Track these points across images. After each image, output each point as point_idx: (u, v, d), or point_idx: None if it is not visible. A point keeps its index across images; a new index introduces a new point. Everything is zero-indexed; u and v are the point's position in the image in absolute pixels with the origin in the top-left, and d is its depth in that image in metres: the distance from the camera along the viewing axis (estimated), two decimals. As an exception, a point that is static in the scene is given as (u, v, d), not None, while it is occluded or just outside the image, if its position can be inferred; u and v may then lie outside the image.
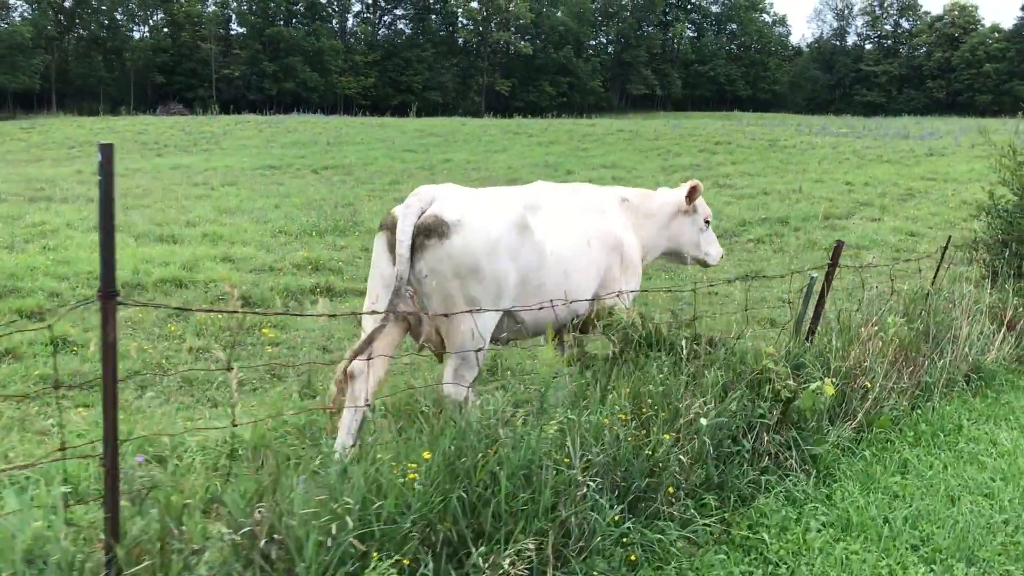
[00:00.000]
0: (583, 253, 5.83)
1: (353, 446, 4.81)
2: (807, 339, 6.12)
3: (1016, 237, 8.75)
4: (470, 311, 5.01)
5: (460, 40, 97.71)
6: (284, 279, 11.53)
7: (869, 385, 6.06)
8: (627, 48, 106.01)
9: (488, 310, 5.09)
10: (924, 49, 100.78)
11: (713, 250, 6.95)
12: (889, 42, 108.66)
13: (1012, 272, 8.73)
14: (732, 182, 28.22)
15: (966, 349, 7.30)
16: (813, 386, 5.24)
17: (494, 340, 5.53)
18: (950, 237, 8.26)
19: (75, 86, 78.94)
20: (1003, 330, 7.95)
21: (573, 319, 5.84)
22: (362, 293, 11.72)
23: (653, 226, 6.59)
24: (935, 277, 7.80)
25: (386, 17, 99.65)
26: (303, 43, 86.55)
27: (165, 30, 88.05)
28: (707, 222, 6.85)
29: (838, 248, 6.24)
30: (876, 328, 6.54)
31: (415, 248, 5.04)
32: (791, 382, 5.40)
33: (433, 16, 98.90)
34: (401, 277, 4.98)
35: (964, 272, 8.38)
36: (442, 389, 5.27)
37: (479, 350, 5.09)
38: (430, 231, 5.03)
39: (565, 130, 49.92)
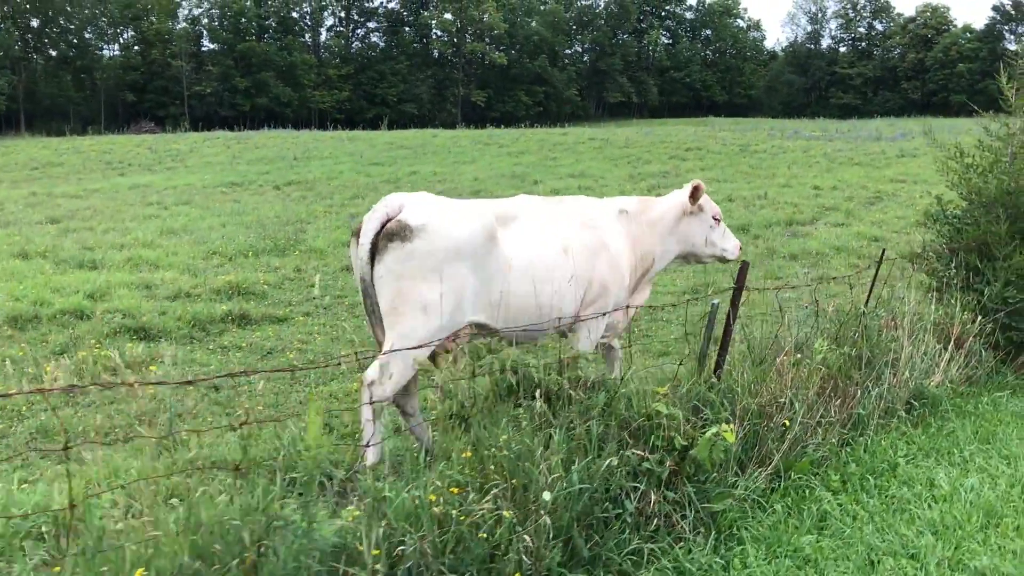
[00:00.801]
0: (559, 263, 5.82)
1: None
2: (715, 373, 5.39)
3: (964, 246, 8.07)
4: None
5: (435, 52, 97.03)
6: (196, 307, 10.75)
7: (787, 423, 5.35)
8: (602, 56, 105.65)
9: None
10: (898, 51, 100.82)
11: (729, 244, 6.86)
12: (863, 44, 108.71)
13: (960, 284, 8.05)
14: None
15: (907, 373, 6.60)
16: (710, 432, 4.51)
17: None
18: (884, 250, 7.56)
19: (44, 106, 77.81)
20: (950, 349, 7.25)
21: (555, 327, 5.75)
22: (279, 320, 11.01)
23: (659, 232, 6.58)
24: (869, 294, 7.09)
25: (359, 30, 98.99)
26: (275, 58, 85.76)
27: (136, 48, 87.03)
28: (716, 219, 6.77)
29: (743, 270, 5.52)
30: (799, 355, 5.83)
31: (378, 251, 5.19)
32: (689, 427, 4.69)
33: (407, 28, 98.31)
34: (363, 279, 5.26)
35: (906, 286, 7.69)
36: (365, 376, 5.26)
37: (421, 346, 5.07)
38: (393, 235, 5.17)
39: (537, 140, 49.41)
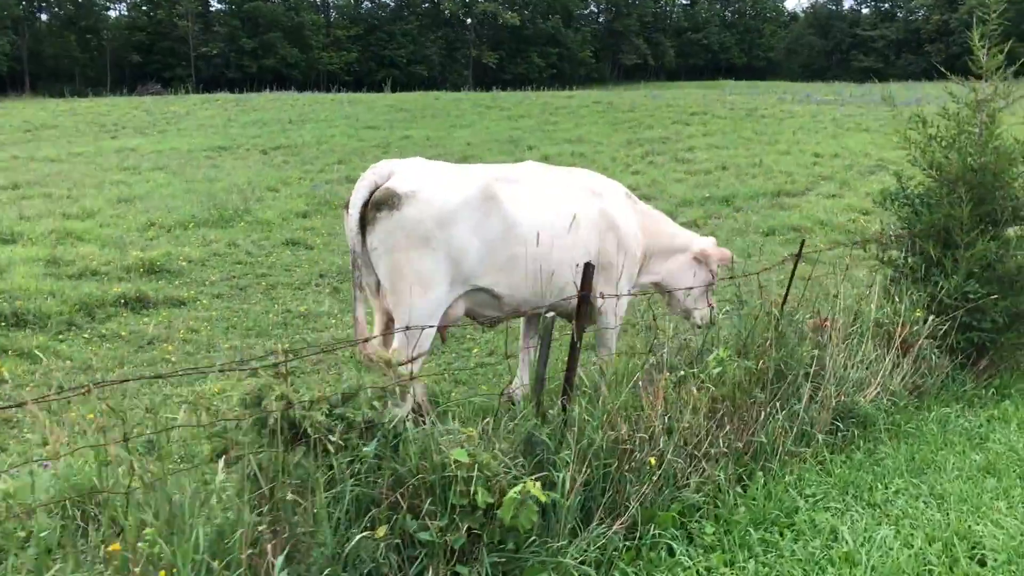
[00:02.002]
0: (568, 228, 5.66)
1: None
2: (563, 401, 4.34)
3: (920, 231, 6.96)
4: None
5: (446, 12, 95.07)
6: (88, 287, 9.80)
7: (653, 462, 4.32)
8: (618, 17, 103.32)
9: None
10: (922, 12, 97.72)
11: (706, 312, 6.61)
12: (886, 6, 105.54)
13: (917, 276, 6.95)
14: (693, 156, 26.43)
15: (831, 388, 5.53)
16: (515, 490, 3.49)
17: (472, 316, 5.67)
18: (803, 241, 6.46)
19: (48, 67, 76.90)
20: (891, 354, 6.18)
21: (561, 299, 5.62)
22: (179, 303, 10.05)
23: (654, 244, 6.44)
24: (787, 292, 5.99)
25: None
26: (282, 18, 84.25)
27: (143, 8, 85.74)
28: (712, 283, 6.64)
29: (588, 271, 4.44)
30: (681, 373, 4.79)
31: (368, 222, 5.08)
32: (510, 477, 3.68)
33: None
34: (354, 251, 5.14)
35: (840, 280, 6.60)
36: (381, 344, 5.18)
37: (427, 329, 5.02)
38: (381, 204, 5.05)
39: (540, 103, 48.09)
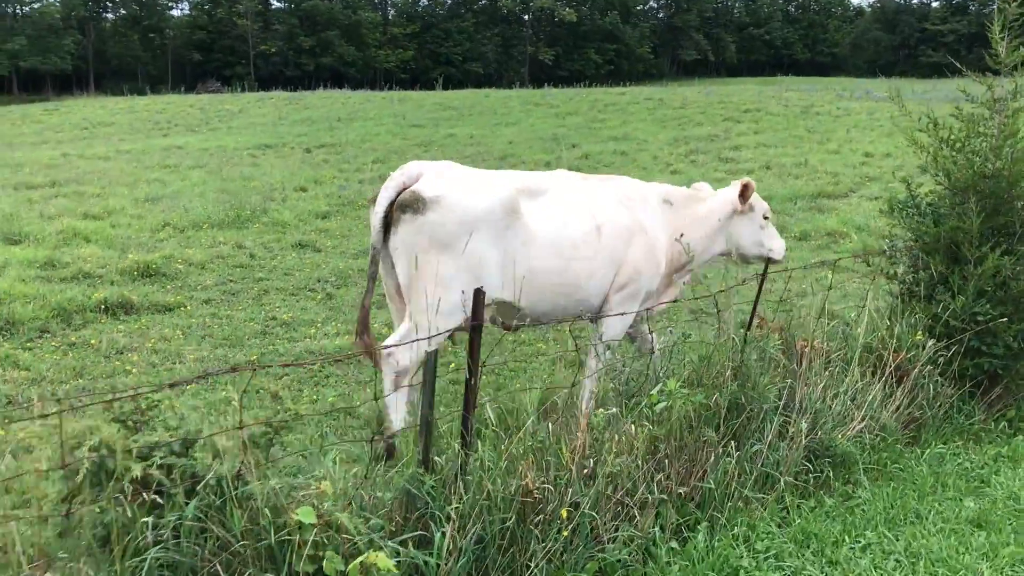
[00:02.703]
0: (589, 241, 5.69)
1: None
2: (462, 446, 3.81)
3: (926, 245, 6.26)
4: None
5: (503, 9, 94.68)
6: (70, 292, 9.54)
7: (565, 516, 3.78)
8: (677, 12, 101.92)
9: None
10: (995, 4, 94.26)
11: (776, 244, 6.66)
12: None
13: (923, 294, 6.26)
14: (738, 155, 25.59)
15: (803, 423, 4.92)
16: (357, 561, 3.00)
17: (494, 323, 5.71)
18: (768, 262, 5.80)
19: (112, 66, 78.62)
20: (880, 383, 5.52)
21: (584, 311, 5.79)
22: (164, 308, 9.75)
23: (705, 229, 6.40)
24: (752, 315, 5.35)
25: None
26: (340, 16, 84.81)
27: (206, 7, 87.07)
28: (766, 218, 6.61)
29: (478, 298, 3.90)
30: (614, 410, 4.24)
31: (392, 222, 5.20)
32: (377, 537, 3.19)
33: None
34: (375, 247, 5.28)
35: (823, 298, 5.97)
36: (386, 343, 5.33)
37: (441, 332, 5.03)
38: (406, 206, 5.15)
39: (590, 100, 47.44)
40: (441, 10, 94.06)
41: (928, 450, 5.48)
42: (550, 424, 4.19)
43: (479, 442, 3.90)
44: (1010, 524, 4.62)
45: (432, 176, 5.34)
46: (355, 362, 7.47)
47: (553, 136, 32.86)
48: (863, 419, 5.34)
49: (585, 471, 4.01)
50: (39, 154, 28.97)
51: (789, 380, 5.11)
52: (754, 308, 5.30)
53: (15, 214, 15.30)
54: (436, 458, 3.66)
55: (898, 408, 5.61)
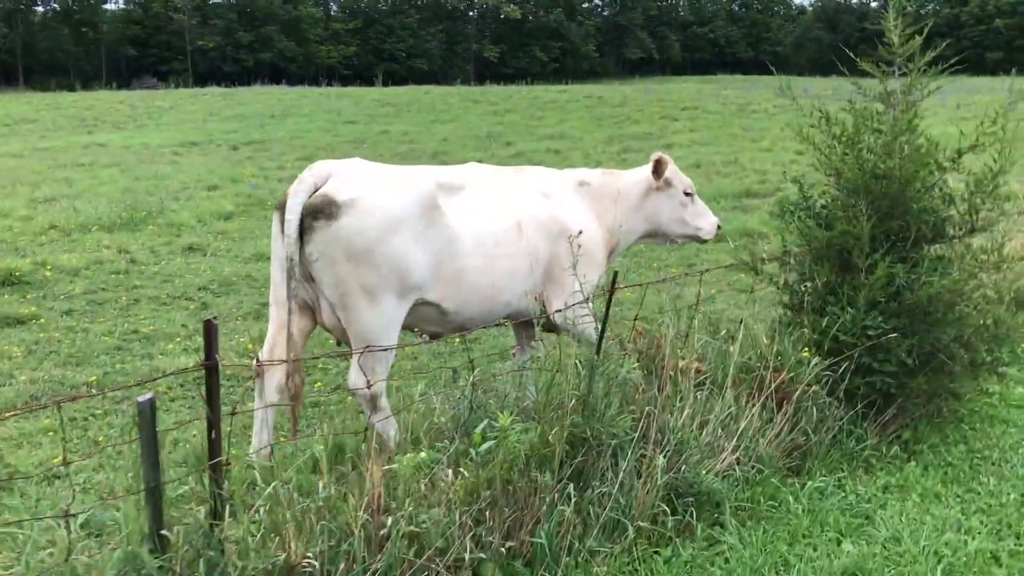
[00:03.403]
0: (512, 239, 5.42)
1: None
2: (208, 514, 3.12)
3: (817, 252, 5.71)
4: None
5: (447, 5, 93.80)
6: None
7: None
8: (622, 11, 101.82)
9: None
10: (932, 5, 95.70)
11: (704, 223, 6.35)
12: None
13: (812, 306, 5.72)
14: (670, 153, 25.09)
15: (660, 460, 4.31)
16: None
17: (410, 329, 5.34)
18: (616, 273, 5.22)
19: (42, 61, 76.15)
20: (755, 409, 4.94)
21: (512, 314, 5.56)
22: (17, 321, 8.89)
23: (624, 209, 6.10)
24: (601, 337, 4.70)
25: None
26: (279, 11, 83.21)
27: (140, 1, 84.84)
28: (688, 194, 6.28)
29: (209, 331, 3.21)
30: (422, 454, 3.59)
31: (305, 229, 4.77)
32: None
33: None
34: (292, 259, 4.76)
35: (686, 313, 5.41)
36: (348, 382, 5.04)
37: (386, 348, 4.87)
38: (318, 212, 4.76)
39: (530, 98, 46.91)
40: (384, 6, 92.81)
41: (810, 482, 4.91)
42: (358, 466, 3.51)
43: (235, 506, 3.21)
44: (888, 573, 4.06)
45: (344, 176, 4.96)
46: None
47: (488, 134, 32.27)
48: (735, 450, 4.75)
49: (383, 531, 3.36)
50: (-57, 150, 27.71)
51: (649, 407, 4.50)
52: (603, 326, 4.67)
53: None
54: (166, 532, 2.96)
55: (778, 435, 5.04)
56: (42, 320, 8.75)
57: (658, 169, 6.15)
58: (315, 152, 27.38)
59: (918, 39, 5.92)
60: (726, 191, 17.93)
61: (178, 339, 8.26)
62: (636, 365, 4.71)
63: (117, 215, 14.38)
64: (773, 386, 5.08)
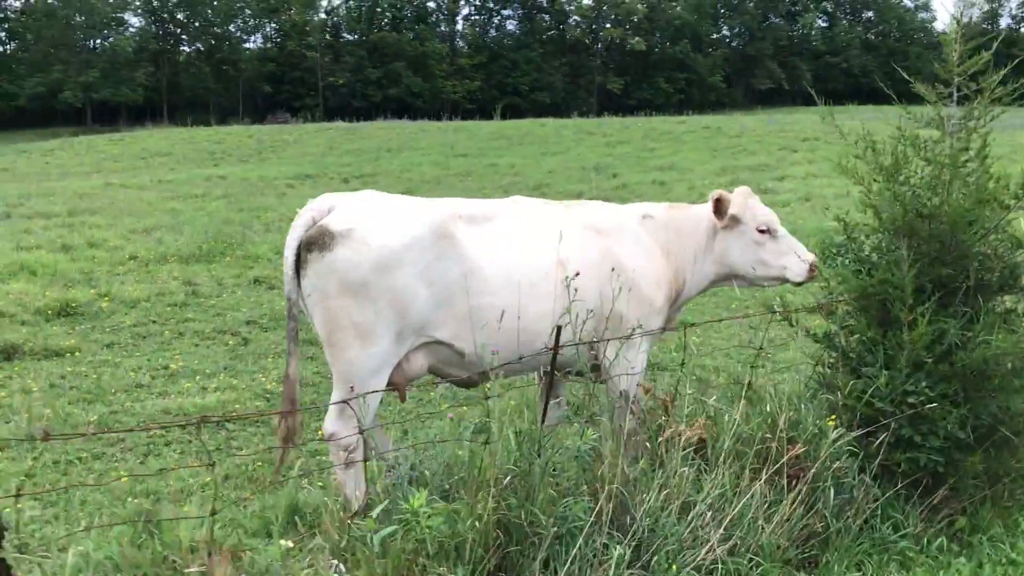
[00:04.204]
0: (549, 278, 4.88)
1: None
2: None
3: (855, 303, 4.88)
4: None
5: (571, 38, 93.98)
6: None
7: None
8: (751, 41, 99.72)
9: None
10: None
11: (791, 261, 5.44)
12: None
13: (849, 365, 4.89)
14: (780, 185, 24.02)
15: (616, 551, 3.60)
16: None
17: (438, 374, 4.98)
18: (559, 328, 4.44)
19: (185, 98, 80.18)
20: (761, 486, 4.17)
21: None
22: (55, 354, 8.85)
23: (691, 248, 5.53)
24: (545, 404, 3.98)
25: (495, 18, 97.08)
26: (407, 47, 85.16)
27: (277, 40, 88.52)
28: (764, 231, 5.44)
29: None
30: (289, 544, 3.04)
31: (301, 264, 4.55)
32: None
33: (543, 15, 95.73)
34: (289, 297, 4.64)
35: (680, 370, 4.67)
36: (324, 429, 4.62)
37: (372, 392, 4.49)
38: (312, 244, 4.51)
39: (646, 129, 46.12)
40: (509, 40, 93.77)
41: (820, 580, 4.11)
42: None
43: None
44: None
45: (346, 208, 4.66)
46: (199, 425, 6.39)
47: (596, 166, 31.81)
48: (727, 538, 4.01)
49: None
50: (81, 183, 29.14)
51: (615, 485, 3.82)
52: (547, 389, 4.02)
53: (-9, 245, 14.78)
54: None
55: (789, 519, 4.26)
56: (80, 353, 8.68)
57: (719, 209, 5.47)
58: (420, 185, 27.47)
59: (985, 54, 5.06)
60: (827, 227, 16.76)
61: (202, 376, 8.01)
62: (594, 436, 4.01)
63: (197, 246, 14.51)
64: (784, 460, 4.30)
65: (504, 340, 4.72)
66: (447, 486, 3.69)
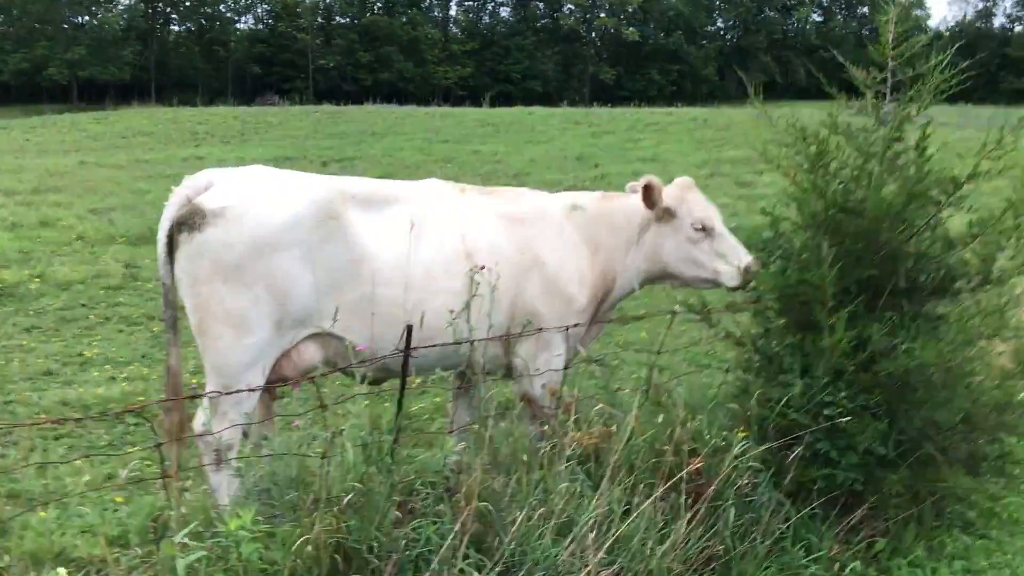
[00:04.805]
0: (452, 270, 4.51)
1: None
2: None
3: (771, 304, 4.50)
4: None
5: (564, 27, 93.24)
6: None
7: None
8: (746, 34, 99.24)
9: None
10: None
11: (722, 266, 4.98)
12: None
13: (769, 372, 4.50)
14: (759, 179, 23.66)
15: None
16: None
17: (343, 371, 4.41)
18: (409, 328, 4.04)
19: (174, 78, 79.30)
20: (652, 505, 3.78)
21: (460, 363, 4.55)
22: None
23: (620, 242, 5.07)
24: (398, 415, 3.58)
25: (489, 4, 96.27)
26: (399, 32, 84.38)
27: (268, 21, 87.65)
28: (701, 229, 4.99)
29: None
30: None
31: (174, 246, 4.18)
32: None
33: (540, 3, 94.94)
34: (163, 283, 4.33)
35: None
36: (194, 425, 4.28)
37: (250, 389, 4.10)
38: (183, 224, 4.14)
39: (632, 119, 45.57)
40: (502, 27, 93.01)
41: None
42: None
43: None
44: None
45: (224, 184, 4.29)
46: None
47: (579, 155, 31.47)
48: (609, 563, 3.62)
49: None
50: (55, 161, 28.58)
51: (476, 504, 3.43)
52: (400, 399, 3.62)
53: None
54: None
55: (686, 542, 3.88)
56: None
57: (648, 196, 5.03)
58: (399, 170, 27.09)
59: (922, 37, 4.68)
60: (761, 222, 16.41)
61: (114, 364, 7.60)
62: (454, 451, 3.63)
63: (148, 227, 14.05)
64: (682, 474, 3.91)
65: (395, 336, 4.32)
66: (293, 504, 3.29)
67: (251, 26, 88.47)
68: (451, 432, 4.99)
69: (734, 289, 5.05)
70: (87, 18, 74.59)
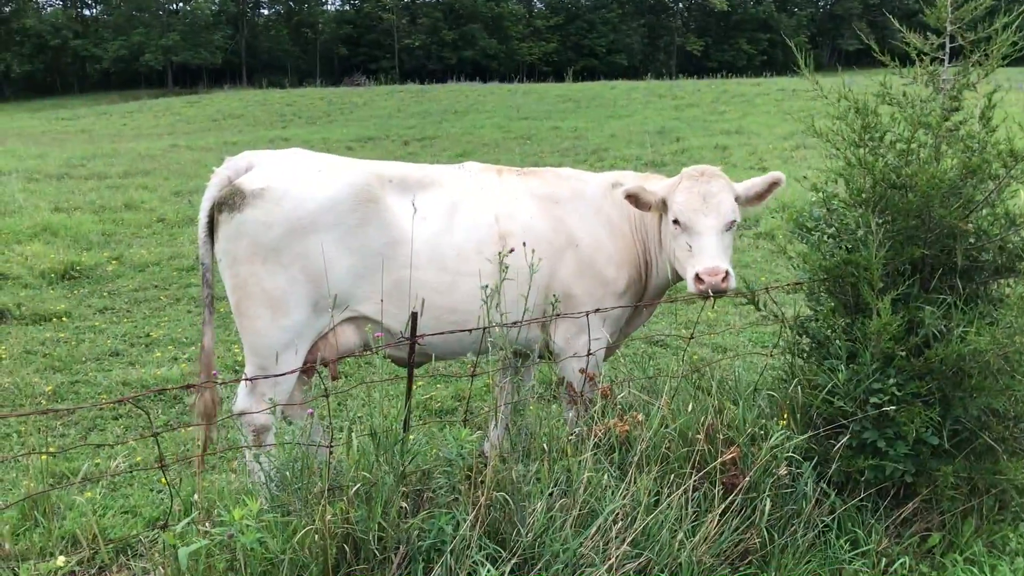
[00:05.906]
0: (487, 251, 4.45)
1: None
2: None
3: (819, 286, 4.26)
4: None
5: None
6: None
7: None
8: (839, 1, 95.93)
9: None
10: None
11: (688, 271, 4.44)
12: None
13: (803, 359, 4.27)
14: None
15: (485, 572, 3.14)
16: None
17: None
18: (414, 315, 3.88)
19: (263, 60, 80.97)
20: (675, 497, 3.64)
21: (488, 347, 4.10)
22: (43, 319, 8.70)
23: (654, 224, 4.83)
24: (408, 401, 3.48)
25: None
26: (483, 9, 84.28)
27: (354, 2, 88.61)
28: (676, 222, 4.54)
29: None
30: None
31: (215, 227, 4.29)
32: None
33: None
34: (203, 263, 4.41)
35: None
36: (233, 407, 4.33)
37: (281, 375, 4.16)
38: (223, 205, 4.24)
39: (718, 91, 44.67)
40: (587, 1, 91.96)
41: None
42: None
43: None
44: None
45: (264, 166, 4.38)
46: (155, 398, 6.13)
47: (661, 129, 30.91)
48: (634, 556, 3.50)
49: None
50: (148, 145, 29.52)
51: (493, 492, 3.35)
52: (409, 386, 3.54)
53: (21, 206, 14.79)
54: None
55: (721, 534, 3.73)
56: (70, 319, 8.53)
57: (634, 205, 4.72)
58: (477, 147, 27.14)
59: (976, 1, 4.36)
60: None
61: (177, 345, 7.76)
62: (473, 436, 3.53)
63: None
64: (715, 464, 3.76)
65: (435, 317, 4.34)
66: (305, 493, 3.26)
67: (338, 7, 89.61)
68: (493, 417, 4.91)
69: (696, 297, 4.45)
70: (181, 4, 76.68)
